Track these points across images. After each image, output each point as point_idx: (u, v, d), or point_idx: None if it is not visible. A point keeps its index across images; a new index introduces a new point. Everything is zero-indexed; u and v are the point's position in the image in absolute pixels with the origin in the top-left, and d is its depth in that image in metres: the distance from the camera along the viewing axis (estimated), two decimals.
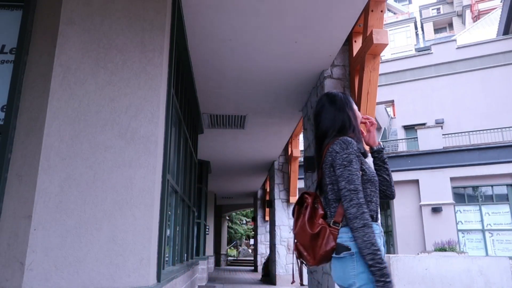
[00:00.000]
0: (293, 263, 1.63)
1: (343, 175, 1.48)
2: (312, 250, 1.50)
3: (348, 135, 1.61)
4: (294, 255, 1.60)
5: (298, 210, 1.62)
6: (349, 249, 1.43)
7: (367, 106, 4.07)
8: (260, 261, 13.28)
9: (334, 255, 1.47)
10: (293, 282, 1.74)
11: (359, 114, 1.71)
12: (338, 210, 1.51)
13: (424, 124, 15.85)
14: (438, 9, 36.93)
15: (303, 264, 1.58)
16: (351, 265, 1.41)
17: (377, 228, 1.48)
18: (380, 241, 1.46)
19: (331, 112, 1.67)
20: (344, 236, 1.46)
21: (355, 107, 1.71)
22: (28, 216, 2.16)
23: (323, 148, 1.63)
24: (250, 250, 26.61)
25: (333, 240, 1.47)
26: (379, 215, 1.55)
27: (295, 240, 1.60)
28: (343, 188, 1.47)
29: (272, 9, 3.46)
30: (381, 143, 1.76)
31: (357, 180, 1.46)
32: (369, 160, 1.78)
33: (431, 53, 16.66)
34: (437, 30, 35.65)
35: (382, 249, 1.44)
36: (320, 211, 1.56)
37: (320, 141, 1.68)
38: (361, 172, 1.52)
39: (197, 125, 6.40)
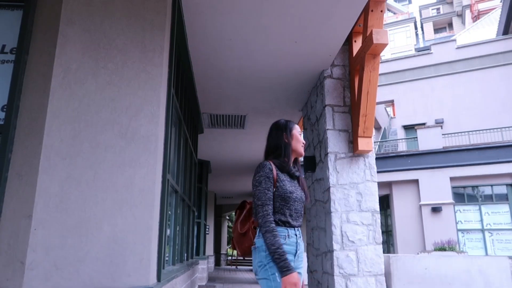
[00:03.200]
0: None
1: (254, 193, 1.91)
2: (239, 244, 2.12)
3: (279, 158, 2.01)
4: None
5: (239, 213, 2.22)
6: (255, 246, 1.93)
7: (367, 106, 4.08)
8: None
9: (252, 248, 1.96)
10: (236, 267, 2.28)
11: (299, 139, 2.09)
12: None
13: (424, 124, 15.87)
14: (438, 9, 36.95)
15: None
16: (256, 255, 1.91)
17: (284, 231, 1.89)
18: (286, 240, 1.87)
19: (271, 137, 2.10)
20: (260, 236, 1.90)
21: (294, 132, 2.09)
22: (29, 216, 2.17)
23: None
24: None
25: (251, 239, 2.08)
26: (295, 222, 1.96)
27: (232, 236, 2.25)
28: (254, 203, 1.93)
29: (272, 9, 3.46)
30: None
31: (264, 196, 1.86)
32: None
33: (431, 53, 16.67)
34: (437, 30, 35.68)
35: (287, 248, 1.85)
36: (252, 218, 2.13)
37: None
38: (273, 189, 1.91)
39: (197, 125, 6.41)
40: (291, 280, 1.70)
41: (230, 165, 10.05)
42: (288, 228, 1.92)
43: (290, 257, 1.86)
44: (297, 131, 2.12)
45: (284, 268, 1.73)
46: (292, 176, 2.05)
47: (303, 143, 2.13)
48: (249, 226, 2.14)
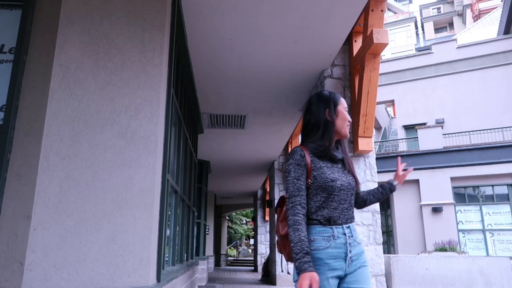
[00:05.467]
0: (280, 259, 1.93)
1: (285, 184, 1.68)
2: (284, 248, 1.70)
3: (313, 140, 1.69)
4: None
5: (279, 211, 1.78)
6: None
7: (367, 106, 4.07)
8: (260, 261, 13.27)
9: None
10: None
11: (345, 116, 1.73)
12: None
13: (424, 124, 15.84)
14: (439, 8, 36.92)
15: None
16: None
17: (328, 231, 1.59)
18: (331, 242, 1.57)
19: (309, 112, 1.75)
20: None
21: (340, 107, 1.73)
22: (28, 216, 2.16)
23: None
24: (250, 250, 26.62)
25: None
26: (343, 217, 1.64)
27: (276, 238, 1.83)
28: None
29: (272, 8, 3.46)
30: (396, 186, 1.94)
31: (292, 187, 1.61)
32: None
33: (432, 52, 16.65)
34: (437, 30, 35.64)
35: (332, 252, 1.56)
36: None
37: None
38: (310, 180, 1.62)
39: (197, 125, 6.40)
40: (302, 282, 1.44)
41: (230, 165, 10.04)
42: (333, 227, 1.60)
43: (338, 263, 1.56)
44: (343, 107, 1.74)
45: (298, 269, 1.49)
46: (334, 160, 1.68)
47: (349, 122, 1.75)
48: None
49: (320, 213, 1.61)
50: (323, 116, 1.69)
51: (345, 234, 1.60)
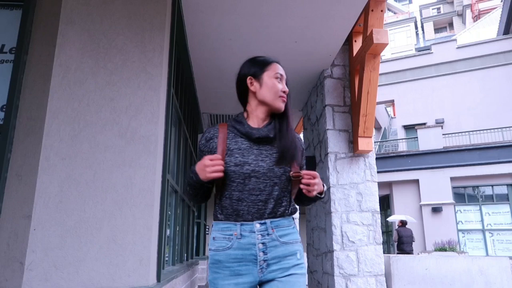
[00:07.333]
0: None
1: None
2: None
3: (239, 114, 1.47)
4: None
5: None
6: None
7: (367, 106, 4.07)
8: None
9: None
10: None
11: (274, 84, 1.40)
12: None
13: (424, 124, 15.85)
14: (439, 8, 36.93)
15: None
16: None
17: (231, 227, 1.32)
18: (232, 242, 1.31)
19: (236, 80, 1.50)
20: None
21: (266, 74, 1.42)
22: (28, 216, 2.16)
23: None
24: None
25: None
26: (251, 209, 1.32)
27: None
28: None
29: (272, 8, 3.46)
30: (325, 191, 1.43)
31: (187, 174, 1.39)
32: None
33: (431, 52, 16.65)
34: (437, 30, 35.65)
35: (234, 253, 1.30)
36: None
37: None
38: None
39: (197, 125, 6.40)
40: (199, 166, 1.28)
41: None
42: (238, 224, 1.32)
43: (244, 267, 1.29)
44: (274, 72, 1.42)
45: (189, 178, 1.33)
46: (252, 139, 1.37)
47: (284, 92, 1.41)
48: None
49: (223, 205, 1.35)
50: (244, 84, 1.44)
51: (254, 232, 1.30)
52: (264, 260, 1.30)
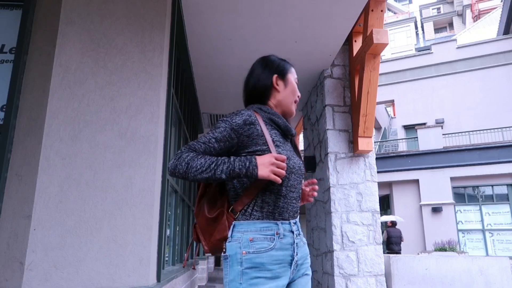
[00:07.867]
0: (188, 246, 1.45)
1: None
2: (207, 235, 1.31)
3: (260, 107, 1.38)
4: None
5: (203, 187, 1.41)
6: (225, 252, 1.21)
7: (367, 106, 4.07)
8: None
9: (222, 257, 1.24)
10: (184, 266, 1.53)
11: (294, 89, 1.41)
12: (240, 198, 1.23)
13: (424, 124, 15.86)
14: (438, 8, 36.94)
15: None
16: (227, 267, 1.21)
17: (272, 227, 1.22)
18: (275, 242, 1.20)
19: (253, 76, 1.44)
20: (234, 231, 1.22)
21: (290, 76, 1.40)
22: (28, 216, 2.16)
23: None
24: None
25: (226, 229, 1.22)
26: (291, 209, 1.27)
27: (195, 222, 1.40)
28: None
29: (272, 8, 3.46)
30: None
31: (202, 145, 1.26)
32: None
33: (431, 52, 16.65)
34: (437, 30, 35.65)
35: (276, 254, 1.20)
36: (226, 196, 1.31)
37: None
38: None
39: (197, 125, 6.40)
40: (264, 161, 1.15)
41: None
42: (278, 222, 1.22)
43: (283, 269, 1.19)
44: (294, 76, 1.44)
45: (244, 170, 1.15)
46: (286, 135, 1.36)
47: (299, 97, 1.43)
48: (221, 207, 1.28)
49: (265, 201, 1.22)
50: (269, 81, 1.37)
51: (292, 231, 1.24)
52: (296, 261, 1.24)
